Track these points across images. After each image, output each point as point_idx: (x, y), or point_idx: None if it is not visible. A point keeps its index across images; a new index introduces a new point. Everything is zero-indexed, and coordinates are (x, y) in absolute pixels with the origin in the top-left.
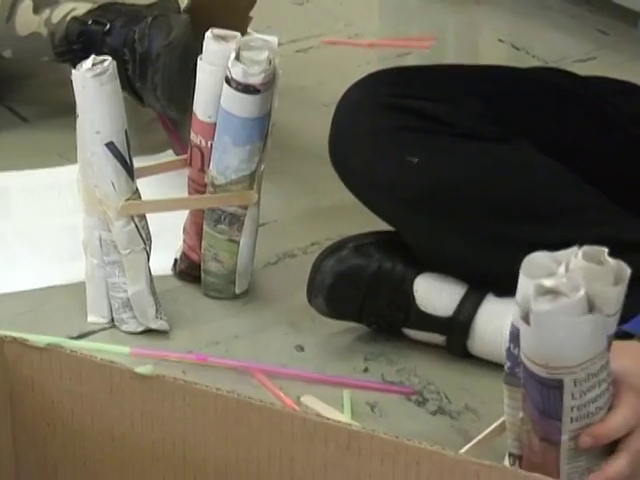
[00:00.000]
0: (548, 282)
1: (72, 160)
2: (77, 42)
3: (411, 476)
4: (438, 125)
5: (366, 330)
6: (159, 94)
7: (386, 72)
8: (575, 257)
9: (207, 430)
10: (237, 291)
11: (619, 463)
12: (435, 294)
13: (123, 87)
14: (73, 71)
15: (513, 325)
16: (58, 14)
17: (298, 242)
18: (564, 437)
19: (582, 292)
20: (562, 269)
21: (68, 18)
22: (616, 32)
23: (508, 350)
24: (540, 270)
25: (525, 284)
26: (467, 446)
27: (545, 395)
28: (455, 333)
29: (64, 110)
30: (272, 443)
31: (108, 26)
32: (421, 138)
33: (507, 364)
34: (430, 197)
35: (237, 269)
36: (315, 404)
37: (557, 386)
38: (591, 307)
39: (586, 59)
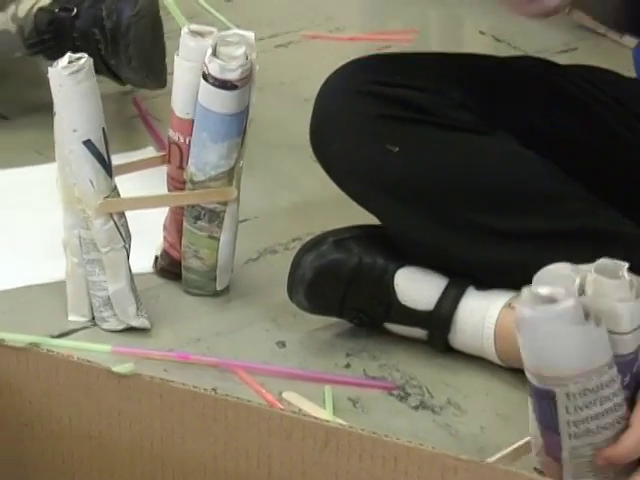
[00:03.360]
0: (543, 290)
1: (51, 158)
2: (47, 31)
3: (389, 472)
4: (419, 114)
5: (347, 326)
6: (135, 65)
7: (368, 59)
8: (592, 270)
9: (185, 428)
10: (218, 288)
11: None
12: (416, 288)
13: (99, 70)
14: (49, 69)
15: None
16: (23, 8)
17: (279, 238)
18: (564, 454)
19: (571, 301)
20: (577, 281)
21: (34, 10)
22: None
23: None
24: (557, 280)
25: (524, 293)
26: (494, 457)
27: (541, 406)
28: (436, 327)
29: (43, 108)
30: (250, 440)
31: (75, 10)
32: (402, 127)
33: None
34: (411, 186)
35: (218, 266)
36: (297, 400)
37: (550, 397)
38: (587, 319)
39: (567, 50)
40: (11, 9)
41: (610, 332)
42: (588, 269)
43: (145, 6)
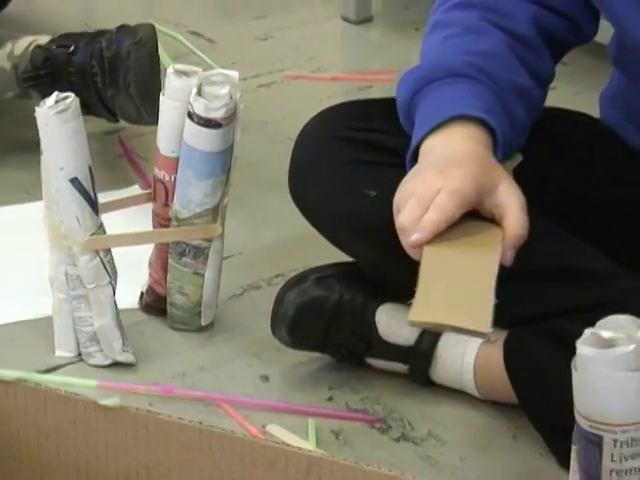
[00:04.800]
0: (605, 333)
1: (39, 197)
2: (43, 67)
3: None
4: (394, 157)
5: (330, 360)
6: (132, 91)
7: (343, 105)
8: None
9: (170, 459)
10: (203, 323)
11: None
12: (397, 324)
13: (94, 106)
14: (36, 108)
15: None
16: (20, 46)
17: (262, 274)
18: None
19: (631, 347)
20: (639, 333)
21: (31, 48)
22: (574, 63)
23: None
24: (620, 327)
25: (586, 333)
26: None
27: (586, 450)
28: (417, 362)
29: (31, 147)
30: (234, 470)
31: (73, 47)
32: (377, 171)
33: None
34: (388, 230)
35: (202, 301)
36: (280, 433)
37: (597, 442)
38: None
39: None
40: (7, 47)
41: None
42: None
43: (145, 36)
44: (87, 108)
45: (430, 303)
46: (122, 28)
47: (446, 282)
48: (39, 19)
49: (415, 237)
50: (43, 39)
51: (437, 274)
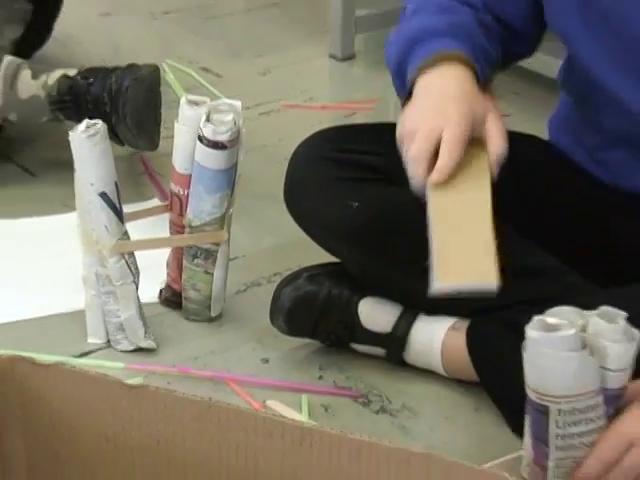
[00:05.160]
0: (550, 319)
1: (73, 208)
2: (67, 94)
3: (355, 463)
4: (373, 174)
5: (320, 345)
6: (129, 122)
7: (329, 131)
8: (593, 314)
9: (185, 430)
10: (212, 314)
11: None
12: (376, 314)
13: None
14: (70, 133)
15: None
16: (53, 77)
17: (263, 273)
18: (550, 464)
19: (572, 331)
20: (581, 321)
21: (60, 77)
22: (525, 94)
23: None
24: (564, 316)
25: (534, 320)
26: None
27: (535, 419)
28: (393, 346)
29: (67, 166)
30: (239, 439)
31: (92, 79)
32: (359, 186)
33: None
34: (366, 234)
35: (212, 296)
36: (278, 407)
37: (544, 412)
38: (583, 349)
39: (502, 116)
40: (42, 78)
41: (601, 367)
42: (591, 314)
43: (144, 75)
44: None
45: (446, 268)
46: (129, 66)
47: (454, 237)
48: (72, 56)
49: (436, 178)
50: (71, 71)
51: (445, 228)
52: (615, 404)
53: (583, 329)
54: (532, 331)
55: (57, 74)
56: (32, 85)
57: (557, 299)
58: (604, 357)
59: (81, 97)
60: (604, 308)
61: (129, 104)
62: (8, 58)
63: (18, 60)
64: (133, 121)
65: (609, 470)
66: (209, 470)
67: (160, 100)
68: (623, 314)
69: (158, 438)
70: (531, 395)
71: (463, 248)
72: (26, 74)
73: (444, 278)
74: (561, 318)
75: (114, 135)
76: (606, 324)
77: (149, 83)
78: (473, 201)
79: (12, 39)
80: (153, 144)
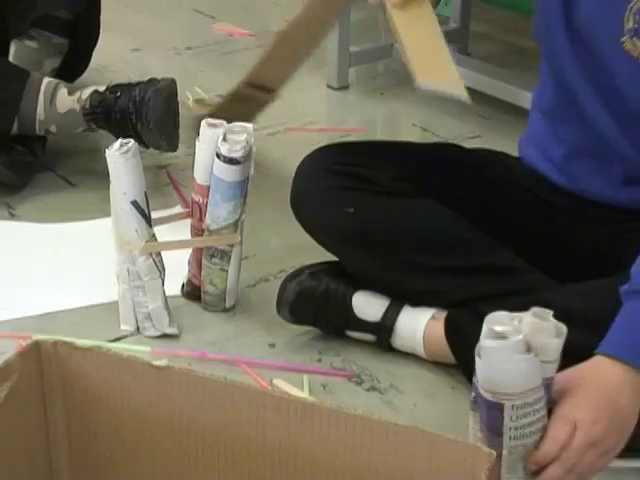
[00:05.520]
0: (498, 327)
1: (109, 214)
2: (98, 107)
3: (349, 434)
4: (368, 184)
5: (319, 332)
6: (152, 127)
7: (329, 147)
8: (528, 315)
9: (203, 405)
10: (227, 306)
11: None
12: (367, 306)
13: (131, 136)
14: (107, 151)
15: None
16: (86, 93)
17: (270, 270)
18: (505, 452)
19: (520, 337)
20: (516, 322)
21: (92, 92)
22: (493, 119)
23: (473, 383)
24: (499, 321)
25: (484, 330)
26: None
27: (490, 415)
28: (382, 333)
29: (101, 176)
30: (250, 413)
31: (119, 93)
32: (356, 195)
33: (472, 394)
34: (362, 237)
35: (227, 290)
36: (283, 385)
37: (499, 408)
38: (529, 351)
39: (473, 137)
40: (77, 94)
41: (541, 360)
42: (522, 315)
43: (163, 87)
44: (127, 136)
45: (423, 69)
46: (150, 80)
47: (423, 45)
48: (106, 83)
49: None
50: (101, 87)
51: (412, 39)
52: (549, 392)
53: (519, 330)
54: (487, 340)
55: (89, 90)
56: (68, 100)
57: (519, 293)
58: (543, 351)
59: (110, 108)
60: (535, 309)
61: (151, 111)
62: (47, 79)
63: (55, 80)
64: (155, 126)
65: (563, 450)
66: (224, 439)
67: (178, 107)
68: (551, 312)
69: (180, 412)
70: (485, 395)
71: (432, 55)
72: (63, 91)
73: (424, 76)
74: (503, 324)
75: (140, 141)
76: (541, 322)
77: (167, 93)
78: (427, 19)
79: (51, 69)
80: (173, 145)
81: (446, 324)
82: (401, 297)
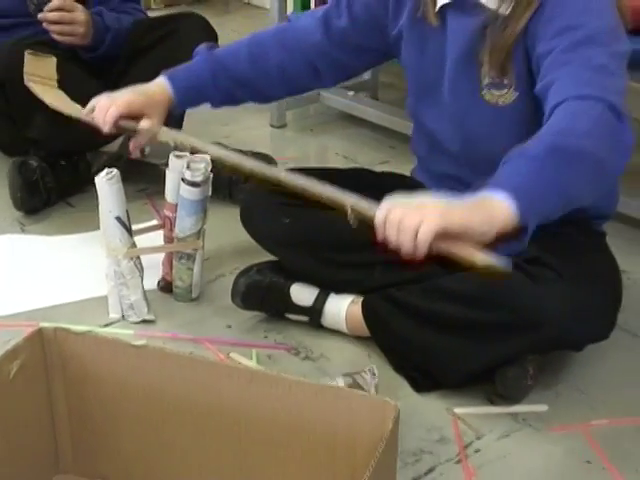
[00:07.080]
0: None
1: (99, 228)
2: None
3: (287, 395)
4: (300, 200)
5: (266, 315)
6: None
7: None
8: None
9: (174, 376)
10: (193, 297)
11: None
12: (302, 294)
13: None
14: (96, 178)
15: None
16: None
17: (227, 268)
18: None
19: None
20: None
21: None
22: (399, 147)
23: None
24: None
25: None
26: None
27: None
28: (314, 315)
29: (95, 199)
30: (210, 381)
31: None
32: (291, 210)
33: None
34: (293, 241)
35: (192, 284)
36: (238, 357)
37: None
38: None
39: (384, 162)
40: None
41: None
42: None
43: None
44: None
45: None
46: None
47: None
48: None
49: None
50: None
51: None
52: None
53: None
54: None
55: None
56: None
57: (420, 281)
58: None
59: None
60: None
61: None
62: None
63: None
64: None
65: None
66: (188, 403)
67: None
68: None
69: (155, 382)
70: None
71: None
72: None
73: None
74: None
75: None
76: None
77: None
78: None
79: None
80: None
81: (363, 307)
82: (327, 287)
